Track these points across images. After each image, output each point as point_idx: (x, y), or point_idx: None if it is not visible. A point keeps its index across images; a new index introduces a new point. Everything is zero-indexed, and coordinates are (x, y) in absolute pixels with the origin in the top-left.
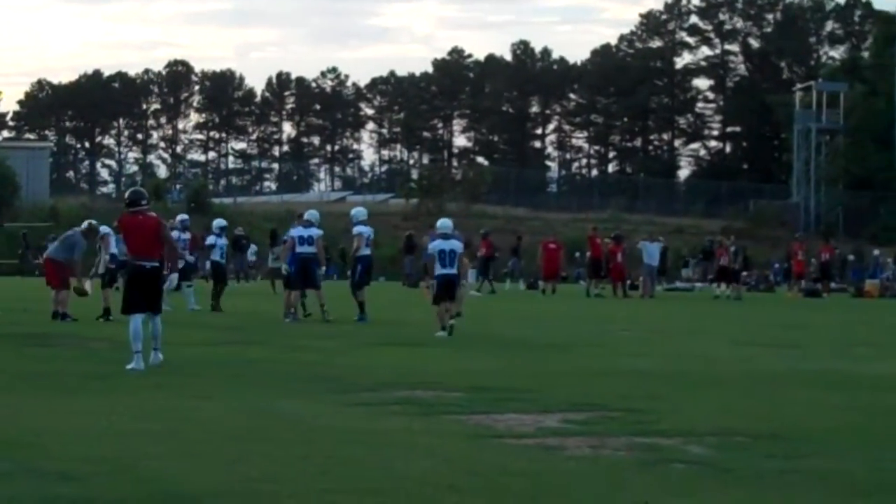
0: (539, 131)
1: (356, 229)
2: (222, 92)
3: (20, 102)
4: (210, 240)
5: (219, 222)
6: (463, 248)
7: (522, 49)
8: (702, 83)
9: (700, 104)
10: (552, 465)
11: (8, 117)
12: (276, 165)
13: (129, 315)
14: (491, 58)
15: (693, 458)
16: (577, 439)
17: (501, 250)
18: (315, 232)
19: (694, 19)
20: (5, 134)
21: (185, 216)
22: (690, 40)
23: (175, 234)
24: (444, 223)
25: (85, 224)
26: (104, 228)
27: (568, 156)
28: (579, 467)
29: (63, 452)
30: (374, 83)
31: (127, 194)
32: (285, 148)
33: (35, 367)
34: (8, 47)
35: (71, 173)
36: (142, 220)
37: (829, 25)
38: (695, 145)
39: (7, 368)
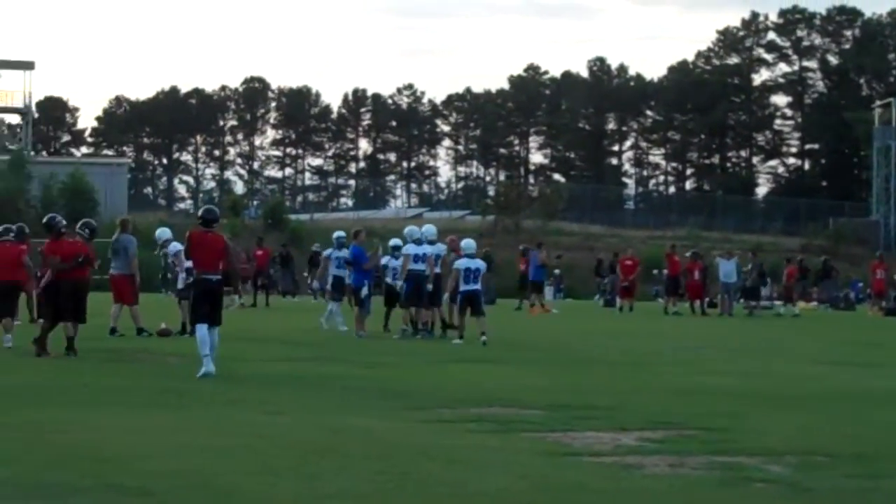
0: (616, 148)
1: (405, 249)
2: (299, 108)
3: (98, 119)
4: (384, 259)
5: (395, 242)
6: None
7: (599, 65)
8: (780, 100)
9: (778, 121)
10: (631, 484)
11: (86, 134)
12: (352, 182)
13: (197, 325)
14: (567, 74)
15: (773, 478)
16: (656, 458)
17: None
18: (428, 250)
19: (771, 35)
20: (84, 150)
21: (342, 233)
22: (768, 57)
23: (328, 251)
24: (468, 244)
25: (118, 220)
26: (176, 245)
27: (645, 173)
28: (658, 486)
29: (141, 467)
30: (451, 99)
31: (202, 212)
32: (361, 164)
33: (113, 382)
34: (87, 64)
35: (149, 189)
36: (211, 237)
37: None
38: (773, 162)
39: (84, 384)
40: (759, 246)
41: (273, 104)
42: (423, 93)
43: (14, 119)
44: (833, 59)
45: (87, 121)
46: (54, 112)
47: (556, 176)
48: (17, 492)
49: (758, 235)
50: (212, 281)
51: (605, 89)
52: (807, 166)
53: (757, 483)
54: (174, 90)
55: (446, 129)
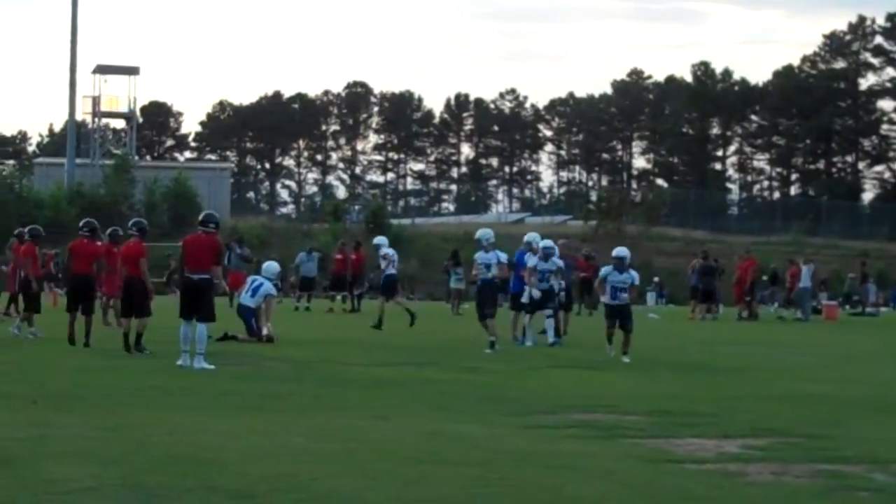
0: (719, 153)
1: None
2: (401, 113)
3: (202, 124)
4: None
5: (531, 237)
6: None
7: (703, 70)
8: (887, 105)
9: (885, 126)
10: (734, 491)
11: (190, 138)
12: (454, 187)
13: (181, 319)
14: (671, 79)
15: (878, 486)
16: (759, 465)
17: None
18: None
19: (879, 40)
20: (187, 155)
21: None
22: (875, 61)
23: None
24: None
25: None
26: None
27: (749, 178)
28: (761, 493)
29: (241, 470)
30: (553, 104)
31: (202, 217)
32: (463, 169)
33: (214, 385)
34: (191, 69)
35: (251, 194)
36: (204, 238)
37: None
38: (879, 168)
39: (188, 387)
40: (864, 252)
41: (375, 109)
42: (525, 97)
43: (119, 124)
44: None
45: (190, 126)
46: (158, 117)
47: (659, 181)
48: (121, 493)
49: (864, 241)
50: (193, 279)
51: (710, 94)
52: None
53: (861, 492)
54: (277, 95)
55: (549, 133)
